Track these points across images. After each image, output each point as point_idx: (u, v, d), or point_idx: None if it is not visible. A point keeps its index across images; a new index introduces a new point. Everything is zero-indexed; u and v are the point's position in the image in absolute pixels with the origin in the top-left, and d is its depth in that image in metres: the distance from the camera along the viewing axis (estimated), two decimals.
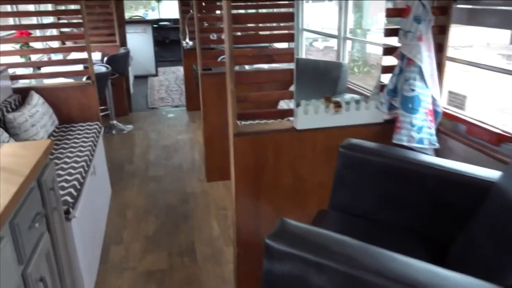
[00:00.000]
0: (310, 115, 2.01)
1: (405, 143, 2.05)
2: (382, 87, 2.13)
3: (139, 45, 7.86)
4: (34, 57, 3.92)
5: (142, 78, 7.93)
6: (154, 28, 8.23)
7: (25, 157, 1.68)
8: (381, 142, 2.06)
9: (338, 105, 2.01)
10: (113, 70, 4.68)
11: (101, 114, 3.76)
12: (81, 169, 2.43)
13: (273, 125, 2.08)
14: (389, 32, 2.06)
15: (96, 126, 3.20)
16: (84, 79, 3.41)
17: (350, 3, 3.35)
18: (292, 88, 2.07)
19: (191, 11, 5.70)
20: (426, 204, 1.70)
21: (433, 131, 2.08)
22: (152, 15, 11.21)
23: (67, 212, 2.02)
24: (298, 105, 2.03)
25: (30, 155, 1.69)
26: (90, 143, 2.85)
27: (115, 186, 3.61)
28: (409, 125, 2.03)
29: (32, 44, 3.57)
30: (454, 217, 1.60)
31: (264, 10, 4.33)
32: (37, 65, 3.49)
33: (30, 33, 3.53)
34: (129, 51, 5.32)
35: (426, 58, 1.98)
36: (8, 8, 3.81)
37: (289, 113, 2.07)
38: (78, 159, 2.56)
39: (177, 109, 6.12)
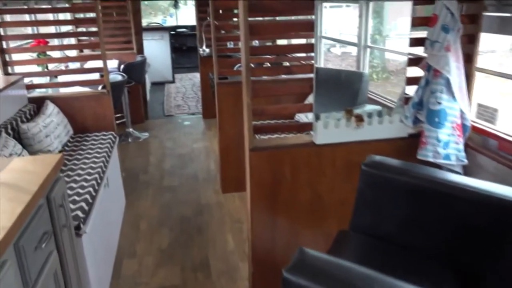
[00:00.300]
0: (330, 129, 1.92)
1: (430, 159, 1.93)
2: (406, 99, 2.02)
3: (157, 52, 7.88)
4: (51, 66, 3.93)
5: (159, 85, 7.94)
6: (171, 35, 8.24)
7: (34, 173, 1.62)
8: (405, 157, 1.95)
9: (360, 119, 1.91)
10: (129, 78, 4.66)
11: (117, 122, 3.73)
12: (94, 182, 2.38)
13: (290, 139, 1.99)
14: (415, 42, 1.95)
15: (111, 136, 3.16)
16: (99, 88, 3.38)
17: (371, 10, 3.24)
18: (311, 99, 1.98)
19: (208, 18, 5.68)
20: (455, 228, 1.58)
21: (461, 146, 1.96)
22: (170, 21, 11.27)
23: (77, 228, 1.96)
24: (317, 118, 1.94)
25: (40, 170, 1.64)
26: (104, 154, 2.80)
27: (129, 196, 3.56)
28: (435, 140, 1.91)
29: (49, 53, 3.57)
30: (487, 243, 1.48)
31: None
32: (53, 74, 3.48)
33: (48, 42, 3.52)
34: (146, 59, 5.30)
35: (454, 69, 1.87)
36: (26, 17, 3.83)
37: (307, 126, 1.98)
38: (91, 171, 2.51)
39: (193, 117, 6.07)
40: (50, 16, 4.19)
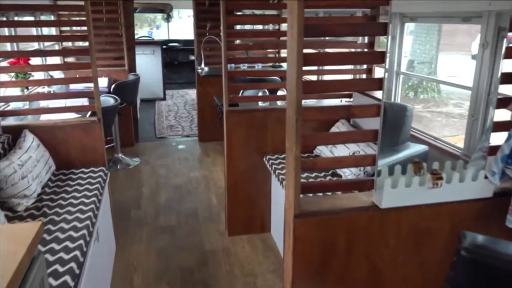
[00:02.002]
0: (399, 189, 1.47)
1: None
2: (491, 149, 1.59)
3: (147, 67, 7.40)
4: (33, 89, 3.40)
5: (149, 102, 7.44)
6: (163, 49, 7.79)
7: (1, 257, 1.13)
8: (489, 224, 1.53)
9: (438, 177, 1.47)
10: (121, 99, 4.15)
11: (106, 146, 3.23)
12: (82, 241, 1.87)
13: (345, 200, 1.53)
14: (506, 78, 1.53)
15: (101, 173, 2.64)
16: (88, 115, 2.87)
17: (404, 31, 2.85)
18: (373, 149, 1.54)
19: (207, 34, 5.25)
20: None
21: None
22: (156, 34, 10.79)
23: None
24: (379, 173, 1.49)
25: (9, 253, 1.15)
26: (94, 198, 2.29)
27: (120, 239, 3.04)
28: None
29: (31, 73, 3.05)
30: None
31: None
32: (33, 99, 2.94)
33: (29, 60, 3.01)
34: (139, 78, 4.81)
35: None
36: (5, 31, 3.30)
37: (367, 184, 1.53)
38: (79, 225, 2.00)
39: (188, 139, 5.58)
40: (33, 31, 3.64)
